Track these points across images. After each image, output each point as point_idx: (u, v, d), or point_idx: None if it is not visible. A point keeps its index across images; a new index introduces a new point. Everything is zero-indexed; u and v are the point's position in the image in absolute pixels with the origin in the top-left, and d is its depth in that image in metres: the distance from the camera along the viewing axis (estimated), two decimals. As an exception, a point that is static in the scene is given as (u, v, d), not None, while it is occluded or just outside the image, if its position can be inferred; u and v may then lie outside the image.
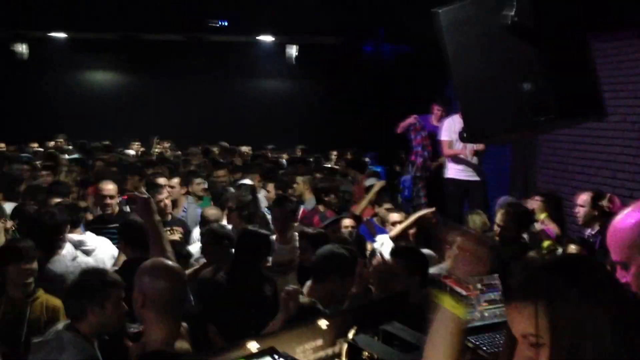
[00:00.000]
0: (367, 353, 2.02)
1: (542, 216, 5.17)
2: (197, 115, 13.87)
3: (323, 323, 2.09)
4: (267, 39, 13.04)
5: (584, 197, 4.54)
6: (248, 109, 13.90)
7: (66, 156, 9.53)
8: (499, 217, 4.23)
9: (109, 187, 5.26)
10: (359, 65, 11.71)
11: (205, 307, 3.58)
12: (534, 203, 5.46)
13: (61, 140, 11.59)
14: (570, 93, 3.08)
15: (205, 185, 6.58)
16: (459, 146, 6.77)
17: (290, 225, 4.76)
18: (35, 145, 11.07)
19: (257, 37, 12.95)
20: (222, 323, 3.52)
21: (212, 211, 5.25)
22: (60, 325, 2.73)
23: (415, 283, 3.05)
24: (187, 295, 2.84)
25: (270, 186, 6.66)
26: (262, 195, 6.53)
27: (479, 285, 2.40)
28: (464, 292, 1.45)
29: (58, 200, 5.06)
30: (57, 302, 3.40)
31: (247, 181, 6.61)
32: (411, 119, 7.75)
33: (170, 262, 2.59)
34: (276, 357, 1.78)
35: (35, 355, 2.62)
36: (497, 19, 3.04)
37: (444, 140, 7.03)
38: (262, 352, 1.81)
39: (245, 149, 11.38)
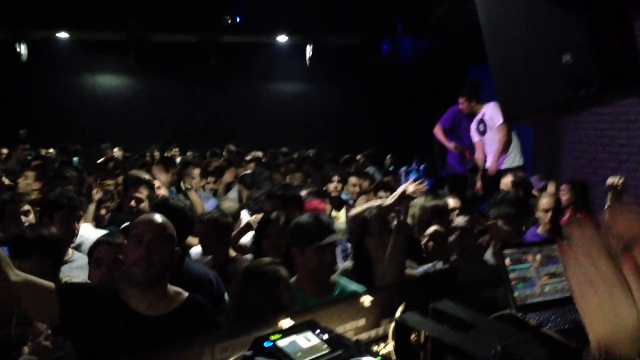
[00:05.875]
0: (415, 334, 1.83)
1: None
2: (209, 119, 13.58)
3: (367, 300, 1.91)
4: (282, 39, 12.84)
5: None
6: (262, 111, 13.66)
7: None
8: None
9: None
10: (378, 64, 11.43)
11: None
12: (561, 191, 5.34)
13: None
14: (613, 65, 2.92)
15: (216, 185, 6.66)
16: (488, 138, 6.67)
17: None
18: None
19: (271, 37, 12.73)
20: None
21: (228, 204, 5.23)
22: None
23: None
24: None
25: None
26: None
27: (538, 257, 2.16)
28: None
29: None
30: None
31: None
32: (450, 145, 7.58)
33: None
34: (318, 331, 1.61)
35: None
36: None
37: (476, 142, 6.84)
38: (301, 325, 1.65)
39: (258, 154, 11.10)
